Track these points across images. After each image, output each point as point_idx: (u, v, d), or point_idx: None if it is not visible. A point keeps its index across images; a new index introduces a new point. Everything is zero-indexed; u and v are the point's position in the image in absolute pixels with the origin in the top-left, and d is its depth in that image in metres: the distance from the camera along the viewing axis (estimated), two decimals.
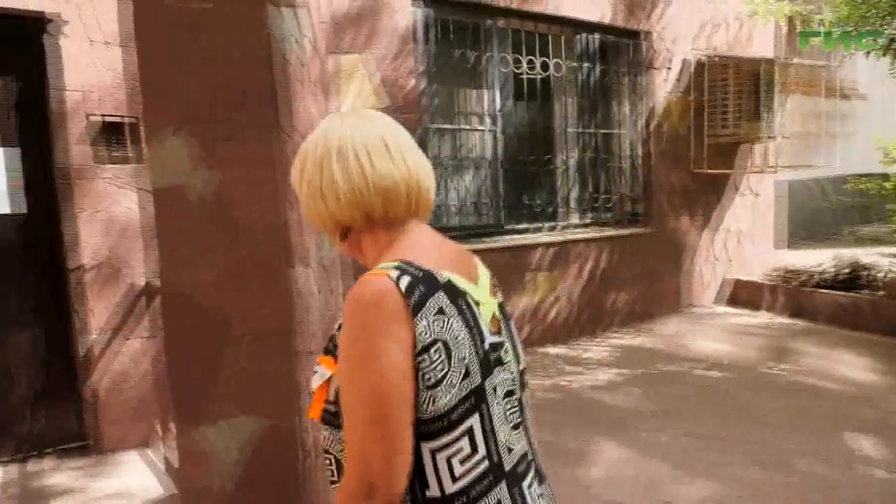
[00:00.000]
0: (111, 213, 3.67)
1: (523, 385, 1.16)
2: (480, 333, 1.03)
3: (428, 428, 0.98)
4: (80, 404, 3.72)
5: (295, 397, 2.19)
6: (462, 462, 1.00)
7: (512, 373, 1.10)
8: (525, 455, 1.11)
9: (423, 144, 4.84)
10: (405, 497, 0.99)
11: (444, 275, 1.02)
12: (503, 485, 1.04)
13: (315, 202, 1.09)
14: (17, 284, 3.60)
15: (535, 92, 5.55)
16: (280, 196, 2.09)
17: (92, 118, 3.56)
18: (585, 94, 5.87)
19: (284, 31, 2.09)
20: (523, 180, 5.60)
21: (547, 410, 4.12)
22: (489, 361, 1.04)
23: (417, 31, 4.76)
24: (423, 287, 0.98)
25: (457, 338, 0.98)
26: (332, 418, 1.07)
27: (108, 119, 3.61)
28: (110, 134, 3.65)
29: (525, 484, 1.08)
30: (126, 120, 3.65)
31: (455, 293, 1.02)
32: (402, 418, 0.95)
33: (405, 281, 0.97)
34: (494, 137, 5.33)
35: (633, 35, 6.10)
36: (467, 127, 5.25)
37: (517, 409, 1.10)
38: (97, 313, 3.66)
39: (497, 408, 1.04)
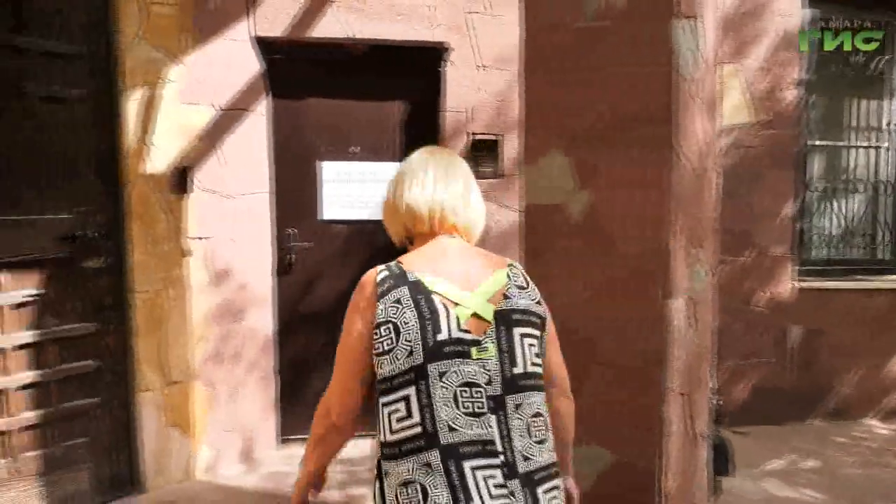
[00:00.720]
0: None
1: (514, 388, 1.28)
2: (436, 326, 1.25)
3: (379, 386, 1.28)
4: None
5: (657, 436, 2.03)
6: (398, 420, 1.25)
7: (486, 370, 1.26)
8: (485, 443, 1.23)
9: (799, 163, 4.24)
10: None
11: (416, 275, 1.29)
12: (436, 452, 1.21)
13: (385, 216, 1.47)
14: None
15: None
16: (665, 220, 1.94)
17: (468, 136, 3.90)
18: None
19: (682, 44, 1.94)
20: None
21: None
22: (442, 351, 1.24)
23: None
24: (392, 281, 1.29)
25: (406, 323, 1.25)
26: None
27: (479, 137, 3.90)
28: (479, 151, 3.94)
29: (471, 464, 1.21)
30: (495, 138, 3.91)
31: (419, 291, 1.27)
32: (352, 370, 1.31)
33: (382, 275, 1.30)
34: (891, 155, 4.44)
35: None
36: (856, 143, 4.48)
37: (480, 400, 1.24)
38: None
39: (441, 390, 1.23)
